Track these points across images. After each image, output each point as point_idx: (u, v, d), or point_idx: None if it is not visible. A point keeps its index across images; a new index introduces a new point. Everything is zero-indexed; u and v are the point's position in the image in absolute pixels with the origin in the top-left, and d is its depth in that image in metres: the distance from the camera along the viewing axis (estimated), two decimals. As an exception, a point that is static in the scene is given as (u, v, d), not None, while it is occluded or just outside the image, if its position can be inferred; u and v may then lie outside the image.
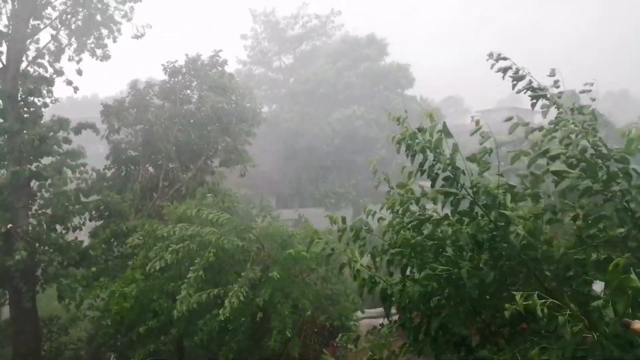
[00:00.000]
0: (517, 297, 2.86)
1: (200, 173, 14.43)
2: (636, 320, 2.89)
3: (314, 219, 10.74)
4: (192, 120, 14.92)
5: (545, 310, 2.77)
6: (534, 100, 4.18)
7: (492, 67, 4.29)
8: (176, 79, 15.58)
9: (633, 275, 2.51)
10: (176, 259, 8.19)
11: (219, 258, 7.87)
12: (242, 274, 7.59)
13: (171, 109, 14.87)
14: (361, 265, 4.08)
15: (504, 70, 4.24)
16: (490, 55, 4.35)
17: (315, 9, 78.19)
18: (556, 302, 2.81)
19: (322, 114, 29.78)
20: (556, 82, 4.12)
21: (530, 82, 4.15)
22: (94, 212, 13.20)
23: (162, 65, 15.58)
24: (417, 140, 3.94)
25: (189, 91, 15.63)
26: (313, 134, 29.25)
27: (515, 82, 4.23)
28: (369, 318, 10.60)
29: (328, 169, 30.19)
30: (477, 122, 4.04)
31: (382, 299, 4.00)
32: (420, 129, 3.97)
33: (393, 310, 4.21)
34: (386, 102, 28.96)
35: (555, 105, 4.02)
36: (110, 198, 12.47)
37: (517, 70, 4.22)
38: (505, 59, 4.26)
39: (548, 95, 4.07)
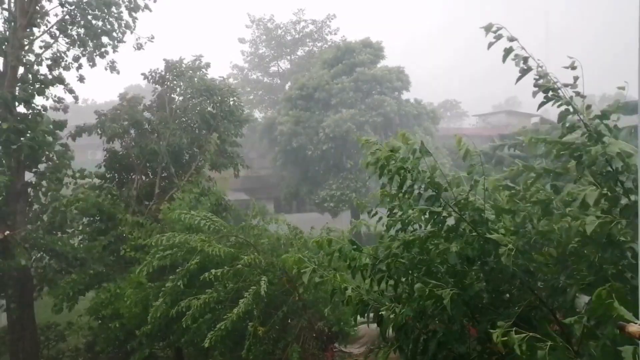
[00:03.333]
0: (494, 336, 2.73)
1: (195, 177, 14.33)
2: (631, 323, 2.91)
3: (312, 224, 10.72)
4: (183, 125, 14.86)
5: (524, 347, 2.63)
6: (543, 103, 3.66)
7: (489, 47, 3.67)
8: (162, 87, 15.49)
9: (616, 303, 2.40)
10: (165, 265, 8.22)
11: (205, 265, 7.84)
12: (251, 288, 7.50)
13: (161, 115, 14.77)
14: (352, 289, 3.96)
15: (506, 54, 3.64)
16: (488, 27, 3.67)
17: (311, 14, 78.46)
18: (536, 335, 2.68)
19: (316, 119, 29.91)
20: (576, 78, 3.57)
21: (541, 75, 3.64)
22: (91, 218, 13.16)
23: (143, 74, 15.47)
24: (392, 162, 3.73)
25: (174, 96, 15.53)
26: (307, 138, 29.34)
27: (521, 75, 3.65)
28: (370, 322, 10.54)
29: (323, 173, 30.25)
30: (459, 141, 3.69)
31: (378, 322, 3.89)
32: (393, 149, 3.77)
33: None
34: (380, 105, 29.08)
35: (572, 109, 3.59)
36: (101, 200, 12.38)
37: (526, 59, 3.65)
38: (511, 39, 3.64)
39: (563, 96, 3.57)
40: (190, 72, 15.40)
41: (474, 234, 3.56)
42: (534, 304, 3.52)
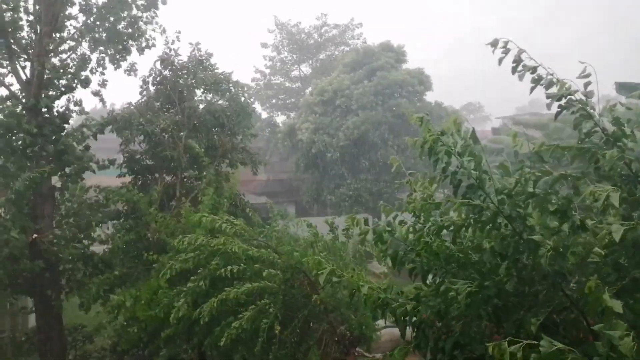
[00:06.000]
0: (490, 349, 2.64)
1: (215, 178, 14.34)
2: None
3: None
4: (196, 123, 14.43)
5: (519, 356, 2.54)
6: (559, 111, 3.72)
7: (500, 63, 3.76)
8: (166, 87, 14.89)
9: (605, 295, 2.48)
10: (189, 268, 8.27)
11: (226, 267, 7.86)
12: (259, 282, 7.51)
13: (174, 115, 14.47)
14: (370, 288, 3.91)
15: (516, 66, 3.72)
16: (494, 43, 3.74)
17: (333, 18, 78.57)
18: (535, 342, 2.58)
19: (336, 123, 30.06)
20: (587, 84, 3.60)
21: (552, 83, 3.67)
22: (115, 222, 13.38)
23: (142, 78, 14.99)
24: (440, 145, 3.70)
25: (184, 92, 14.99)
26: (327, 142, 29.52)
27: (534, 85, 3.73)
28: (391, 327, 10.46)
29: (342, 175, 30.38)
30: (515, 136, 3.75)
31: (396, 319, 3.84)
32: (443, 132, 3.75)
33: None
34: (399, 107, 29.07)
35: (588, 116, 3.60)
36: (132, 195, 12.50)
37: (535, 68, 3.70)
38: (520, 51, 3.73)
39: (577, 102, 3.59)
40: (199, 67, 14.91)
41: (510, 229, 3.49)
42: (565, 305, 3.42)
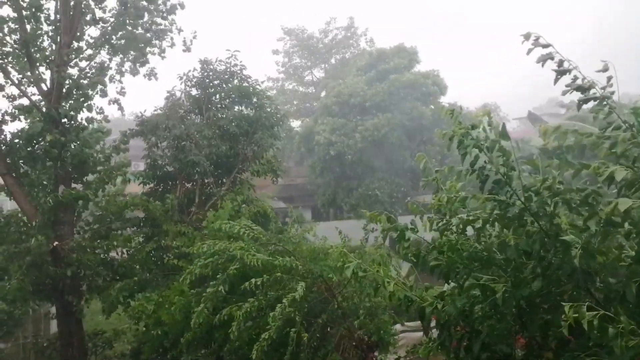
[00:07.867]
0: (567, 309, 2.67)
1: (234, 186, 14.43)
2: None
3: (348, 231, 10.67)
4: (220, 133, 14.55)
5: (596, 323, 2.59)
6: (582, 102, 3.74)
7: (528, 53, 3.76)
8: (198, 91, 15.27)
9: None
10: (208, 273, 8.32)
11: (245, 272, 7.88)
12: (288, 295, 7.47)
13: (199, 122, 14.64)
14: (395, 284, 3.92)
15: (544, 60, 3.74)
16: (527, 36, 3.78)
17: (342, 21, 78.54)
18: (608, 313, 2.61)
19: (351, 126, 30.10)
20: (609, 78, 3.68)
21: (576, 77, 3.69)
22: (135, 228, 13.56)
23: (179, 76, 15.19)
24: (469, 138, 3.67)
25: (214, 99, 15.31)
26: (343, 144, 29.55)
27: (558, 77, 3.73)
28: (409, 331, 10.42)
29: (359, 178, 30.38)
30: (545, 131, 3.78)
31: (420, 316, 3.83)
32: (474, 126, 3.73)
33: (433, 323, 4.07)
34: (415, 110, 28.96)
35: (608, 108, 3.64)
36: (150, 205, 12.67)
37: (562, 62, 3.72)
38: (546, 45, 3.75)
39: (598, 95, 3.64)
40: (227, 76, 15.08)
41: (536, 226, 3.46)
42: (590, 306, 3.37)
